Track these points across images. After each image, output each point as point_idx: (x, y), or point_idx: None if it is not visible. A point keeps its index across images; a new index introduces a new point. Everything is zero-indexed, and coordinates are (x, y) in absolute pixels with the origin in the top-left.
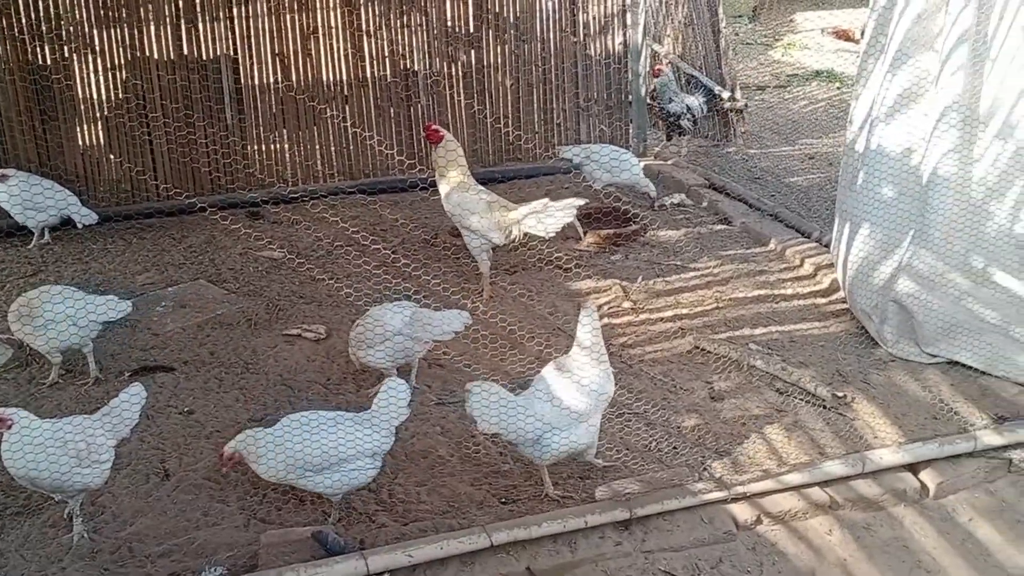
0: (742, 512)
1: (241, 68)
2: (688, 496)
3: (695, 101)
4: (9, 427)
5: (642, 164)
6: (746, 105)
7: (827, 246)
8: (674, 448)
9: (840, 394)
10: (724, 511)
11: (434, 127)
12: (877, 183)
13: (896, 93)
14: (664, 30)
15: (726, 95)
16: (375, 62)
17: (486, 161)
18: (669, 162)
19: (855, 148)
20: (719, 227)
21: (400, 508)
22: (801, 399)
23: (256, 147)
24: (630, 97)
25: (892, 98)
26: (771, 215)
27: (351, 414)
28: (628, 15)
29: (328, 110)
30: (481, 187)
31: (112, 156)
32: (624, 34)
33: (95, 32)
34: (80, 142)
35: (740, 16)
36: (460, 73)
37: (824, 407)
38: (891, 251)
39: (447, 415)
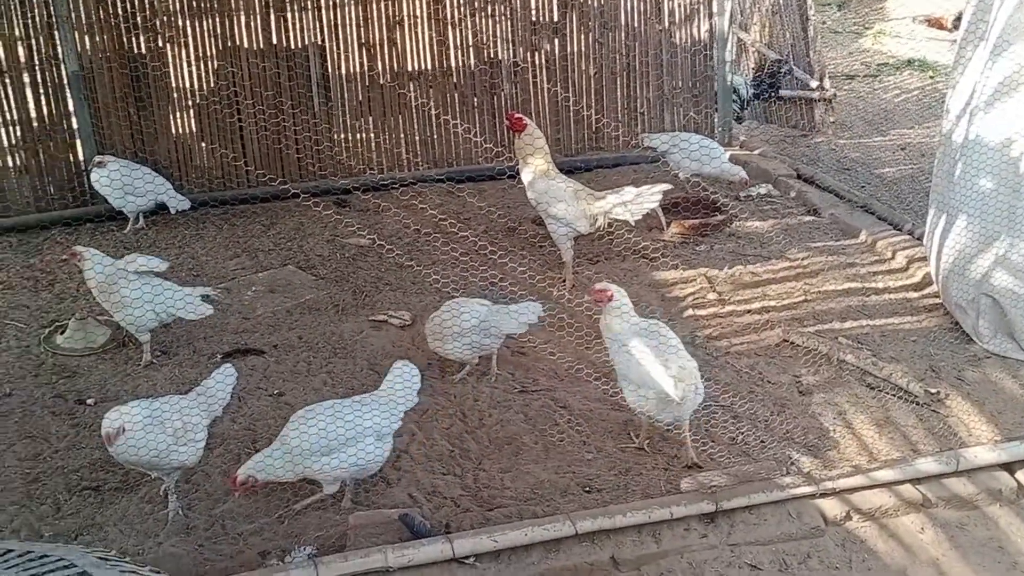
0: (831, 508)
1: (328, 57)
2: (776, 490)
3: (740, 80)
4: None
5: (728, 153)
6: (835, 94)
7: (920, 239)
8: (761, 442)
9: (933, 390)
10: (813, 506)
11: (516, 115)
12: (975, 174)
13: (996, 82)
14: (751, 17)
15: (814, 84)
16: (459, 51)
17: (569, 150)
18: (756, 152)
19: (952, 139)
20: (807, 218)
21: (484, 494)
22: (892, 395)
23: (343, 135)
24: (715, 85)
25: (992, 87)
26: (861, 206)
27: (357, 397)
28: (714, 2)
29: (412, 94)
30: (564, 175)
31: (204, 143)
32: (710, 22)
33: (188, 22)
34: (174, 129)
35: (829, 4)
36: (544, 62)
37: (916, 403)
38: (988, 244)
39: (530, 403)
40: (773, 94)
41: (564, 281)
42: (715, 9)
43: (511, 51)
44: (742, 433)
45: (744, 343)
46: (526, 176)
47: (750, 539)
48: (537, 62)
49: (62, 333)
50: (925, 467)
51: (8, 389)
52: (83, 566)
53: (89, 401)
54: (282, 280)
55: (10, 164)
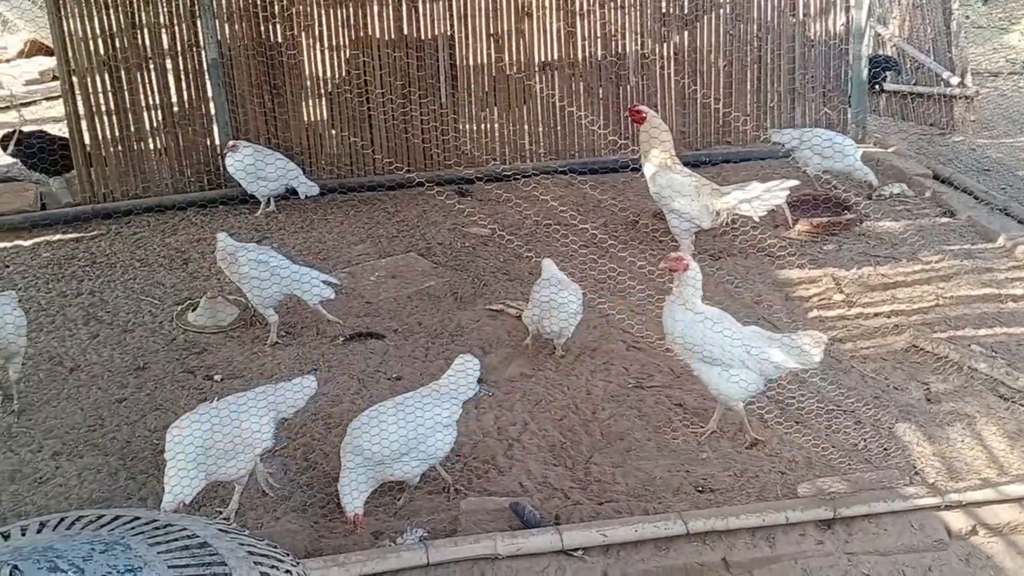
0: (956, 521)
1: (457, 47)
2: (898, 500)
3: None
4: None
5: (860, 151)
6: (977, 92)
7: None
8: (884, 449)
9: None
10: (936, 518)
11: (637, 107)
12: None
13: None
14: (890, 11)
15: (955, 80)
16: (587, 42)
17: (695, 144)
18: (890, 150)
19: None
20: (942, 220)
21: (595, 487)
22: None
23: (469, 125)
24: (850, 80)
25: None
26: (1000, 209)
27: (419, 391)
28: None
29: (537, 84)
30: (687, 168)
31: (334, 131)
32: (847, 14)
33: (322, 12)
34: (305, 117)
35: None
36: (672, 53)
37: None
38: None
39: (644, 398)
40: (877, 88)
41: None
42: (852, 2)
43: (639, 42)
44: (865, 440)
45: (871, 347)
46: (648, 169)
47: (868, 549)
48: (666, 54)
49: (193, 311)
50: None
51: (143, 362)
52: (205, 537)
53: (216, 377)
54: (404, 267)
55: (151, 147)
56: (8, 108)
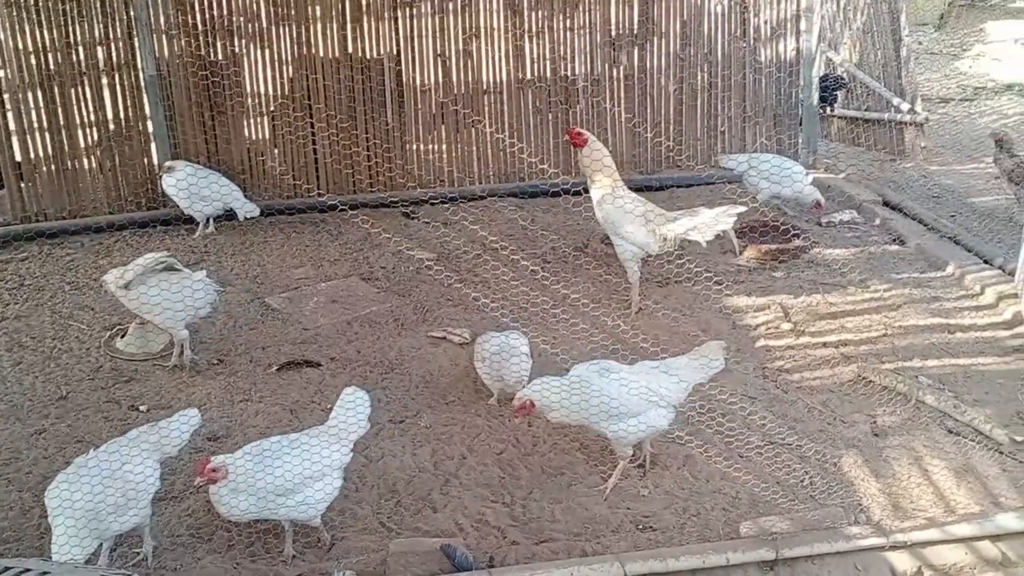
0: (901, 562)
1: (403, 67)
2: (842, 540)
3: None
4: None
5: (811, 176)
6: (927, 118)
7: (1012, 274)
8: (829, 486)
9: (1019, 438)
10: (881, 559)
11: (576, 130)
12: None
13: None
14: (841, 37)
15: (905, 107)
16: (535, 64)
17: (645, 167)
18: (841, 175)
19: None
20: (892, 247)
21: (533, 525)
22: (974, 441)
23: (416, 146)
24: (800, 105)
25: None
26: (950, 237)
27: (307, 432)
28: (803, 20)
29: (483, 122)
30: (633, 194)
31: (276, 150)
32: (797, 40)
33: (265, 29)
34: (247, 136)
35: (925, 24)
36: (622, 76)
37: (1000, 452)
38: None
39: (586, 431)
40: (828, 107)
41: (629, 306)
42: (803, 27)
43: (588, 65)
44: (809, 476)
45: (817, 378)
46: (595, 194)
47: None
48: (615, 76)
49: (122, 337)
50: (1007, 522)
51: (65, 391)
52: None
53: (142, 408)
54: (345, 291)
55: (86, 165)
56: None
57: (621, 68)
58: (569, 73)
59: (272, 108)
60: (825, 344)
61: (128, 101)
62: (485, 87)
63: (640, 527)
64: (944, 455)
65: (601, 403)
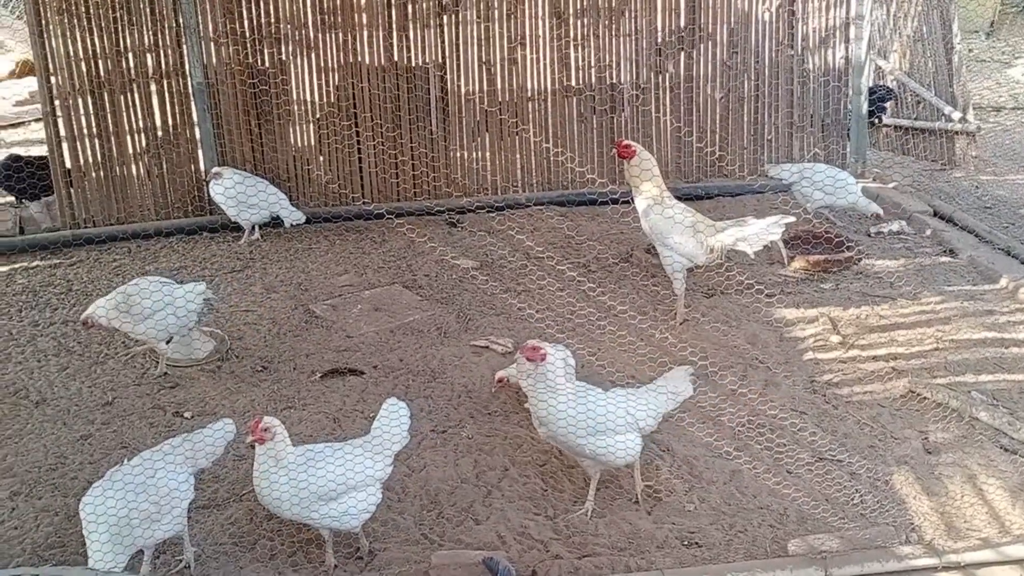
0: None
1: (448, 75)
2: (893, 560)
3: None
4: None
5: (860, 185)
6: (978, 128)
7: None
8: (880, 504)
9: None
10: None
11: (624, 143)
12: None
13: None
14: (891, 44)
15: (956, 116)
16: (581, 72)
17: (690, 176)
18: (890, 185)
19: None
20: (943, 259)
21: (576, 539)
22: None
23: (460, 153)
24: (849, 114)
25: None
26: (1003, 249)
27: (350, 442)
28: (852, 28)
29: (527, 130)
30: (681, 203)
31: (322, 158)
32: (846, 48)
33: (312, 37)
34: (293, 143)
35: (975, 31)
36: (667, 85)
37: None
38: None
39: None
40: (876, 119)
41: (673, 316)
42: (852, 35)
43: (634, 73)
44: (859, 493)
45: (867, 392)
46: (640, 204)
47: None
48: (660, 84)
49: (168, 342)
50: None
51: (111, 397)
52: None
53: (186, 414)
54: (388, 299)
55: (134, 172)
56: None
57: (667, 76)
58: (615, 80)
59: (318, 116)
60: (875, 358)
61: (176, 108)
62: (530, 95)
63: (686, 543)
64: (999, 473)
65: (588, 416)
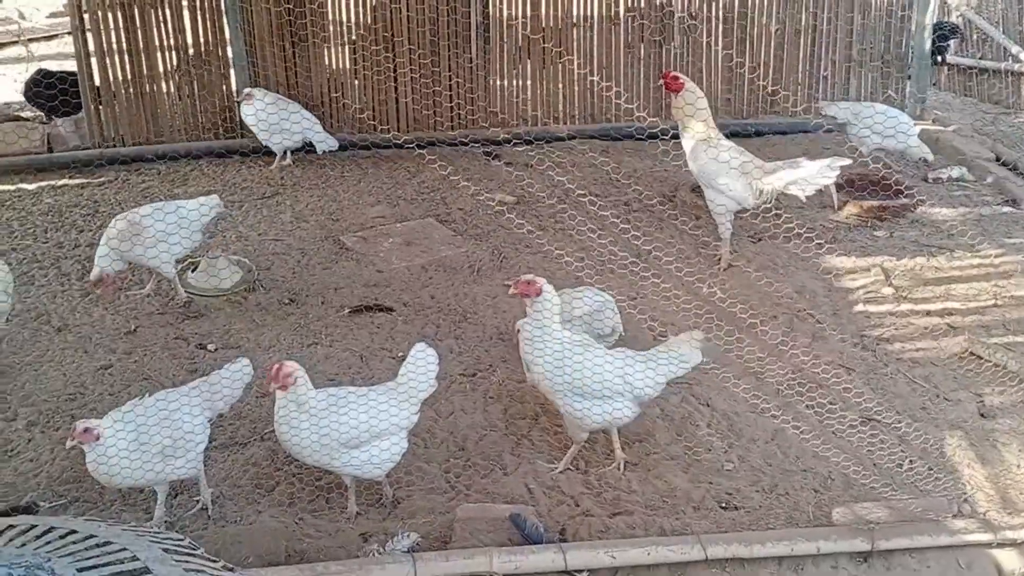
0: (1010, 561)
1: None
2: (944, 534)
3: None
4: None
5: (918, 128)
6: None
7: None
8: (930, 472)
9: None
10: (987, 557)
11: (673, 74)
12: None
13: None
14: None
15: None
16: None
17: (740, 112)
18: (951, 128)
19: None
20: (1005, 209)
21: (608, 494)
22: None
23: (500, 82)
24: (911, 52)
25: None
26: None
27: (375, 388)
28: None
29: (572, 59)
30: (729, 142)
31: (357, 82)
32: None
33: None
34: (327, 66)
35: None
36: (720, 15)
37: None
38: None
39: (668, 396)
40: (939, 58)
41: (718, 261)
42: None
43: (684, 1)
44: (910, 460)
45: (920, 350)
46: (687, 143)
47: None
48: (713, 12)
49: (193, 271)
50: None
51: (134, 325)
52: (145, 560)
53: (210, 347)
54: (420, 233)
55: (164, 91)
56: (15, 43)
57: (720, 3)
58: (664, 8)
59: (353, 38)
60: (929, 312)
61: (208, 25)
62: (575, 20)
63: (723, 505)
64: None
65: (574, 375)
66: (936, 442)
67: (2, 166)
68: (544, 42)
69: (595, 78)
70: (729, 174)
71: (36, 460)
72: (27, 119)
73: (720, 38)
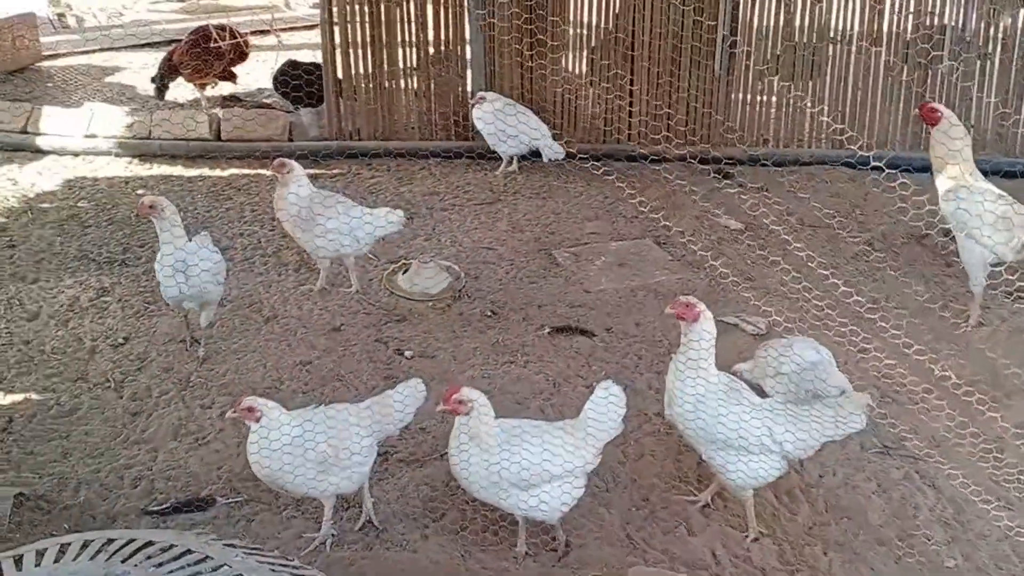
0: None
1: (740, 7)
2: None
3: None
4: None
5: None
6: None
7: None
8: None
9: None
10: None
11: (931, 106)
12: None
13: None
14: None
15: None
16: (895, 14)
17: (1013, 150)
18: None
19: None
20: None
21: (805, 572)
22: None
23: (743, 95)
24: None
25: None
26: None
27: (556, 424)
28: None
29: (824, 78)
30: (990, 186)
31: (592, 90)
32: None
33: None
34: (564, 68)
35: None
36: (1000, 36)
37: None
38: None
39: (888, 470)
40: None
41: (967, 318)
42: None
43: (960, 19)
44: None
45: None
46: (941, 183)
47: None
48: (991, 36)
49: (404, 273)
50: None
51: (340, 323)
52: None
53: (407, 354)
54: (635, 254)
55: (402, 87)
56: (267, 32)
57: (1001, 27)
58: (934, 29)
59: (593, 44)
60: None
61: (450, 23)
62: (832, 36)
63: None
64: None
65: (710, 421)
66: None
67: (245, 151)
68: (795, 58)
69: (849, 96)
70: (987, 222)
71: (222, 452)
72: (274, 107)
73: (996, 63)
